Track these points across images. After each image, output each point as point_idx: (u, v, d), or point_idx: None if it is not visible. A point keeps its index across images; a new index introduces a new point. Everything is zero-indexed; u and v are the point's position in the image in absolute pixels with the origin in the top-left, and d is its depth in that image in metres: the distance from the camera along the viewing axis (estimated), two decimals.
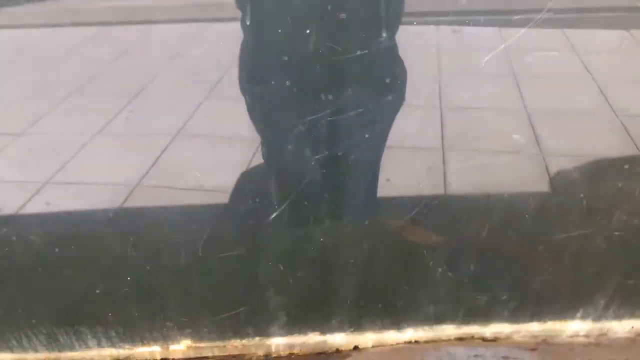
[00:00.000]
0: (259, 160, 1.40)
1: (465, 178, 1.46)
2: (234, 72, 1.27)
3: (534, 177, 1.46)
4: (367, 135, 1.30)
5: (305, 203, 1.38)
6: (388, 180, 1.42)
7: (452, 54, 1.39)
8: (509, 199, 1.41)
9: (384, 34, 1.13)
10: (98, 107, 1.44)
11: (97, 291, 1.44)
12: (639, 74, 1.41)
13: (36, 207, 1.41)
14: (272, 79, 1.20)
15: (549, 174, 1.44)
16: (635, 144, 1.45)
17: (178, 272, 1.46)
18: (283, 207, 1.37)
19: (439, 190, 1.48)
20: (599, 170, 1.44)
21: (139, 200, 1.43)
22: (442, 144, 1.48)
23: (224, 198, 1.43)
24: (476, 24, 1.24)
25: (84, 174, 1.44)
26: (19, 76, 1.39)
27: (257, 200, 1.41)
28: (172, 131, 1.43)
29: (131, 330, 1.52)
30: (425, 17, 1.33)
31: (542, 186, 1.47)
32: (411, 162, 1.47)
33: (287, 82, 1.19)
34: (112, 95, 1.44)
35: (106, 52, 1.43)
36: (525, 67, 1.43)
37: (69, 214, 1.44)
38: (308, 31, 1.10)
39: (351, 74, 1.19)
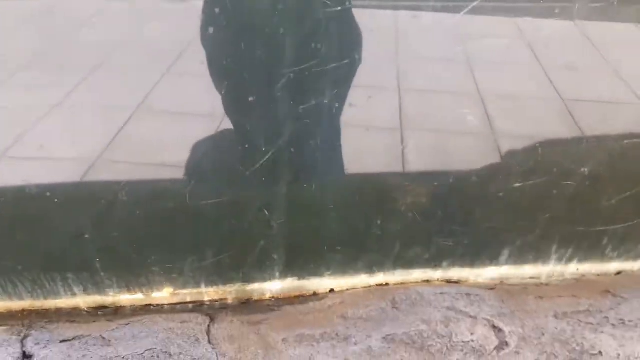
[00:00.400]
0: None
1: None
2: (193, 48, 1.31)
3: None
4: (325, 94, 1.38)
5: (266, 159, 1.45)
6: None
7: (410, 39, 1.46)
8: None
9: None
10: (54, 80, 1.43)
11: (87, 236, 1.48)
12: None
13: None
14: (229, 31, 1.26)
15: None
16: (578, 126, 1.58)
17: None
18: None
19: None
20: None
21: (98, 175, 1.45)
22: (400, 124, 1.56)
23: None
24: (434, 9, 1.34)
25: (43, 148, 1.43)
26: None
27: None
28: (133, 105, 1.45)
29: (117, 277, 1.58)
30: (385, 1, 1.41)
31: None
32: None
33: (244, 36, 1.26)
34: (70, 69, 1.43)
35: (62, 25, 1.41)
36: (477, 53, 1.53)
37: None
38: None
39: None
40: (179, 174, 1.48)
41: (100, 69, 1.42)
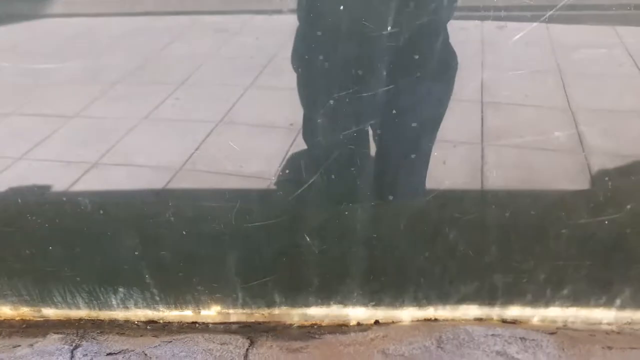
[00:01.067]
0: (296, 148, 1.45)
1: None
2: (276, 62, 1.32)
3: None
4: (412, 120, 1.34)
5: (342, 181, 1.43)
6: None
7: (496, 49, 1.38)
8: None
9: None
10: (146, 93, 1.50)
11: (136, 253, 1.53)
12: None
13: (84, 185, 1.50)
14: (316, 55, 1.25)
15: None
16: None
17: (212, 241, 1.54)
18: (311, 181, 1.43)
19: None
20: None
21: (182, 183, 1.50)
22: (482, 138, 1.47)
23: (262, 183, 1.48)
24: (521, 19, 1.25)
25: (131, 156, 1.50)
26: (72, 63, 1.46)
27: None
28: (216, 118, 1.48)
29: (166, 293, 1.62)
30: (469, 12, 1.34)
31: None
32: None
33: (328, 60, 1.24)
34: (159, 83, 1.49)
35: (154, 41, 1.48)
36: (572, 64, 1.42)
37: (115, 191, 1.52)
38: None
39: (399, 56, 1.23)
40: (258, 183, 1.48)
41: (186, 83, 1.47)
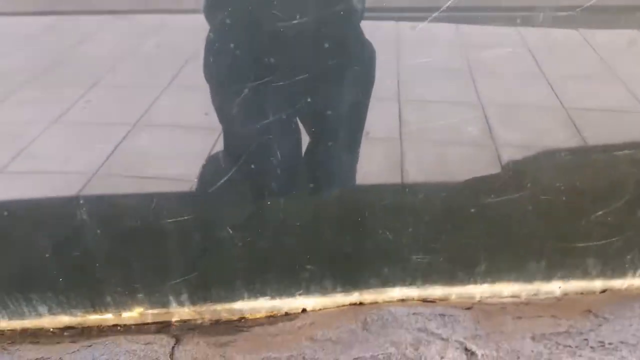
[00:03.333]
0: (218, 148, 1.44)
1: None
2: (192, 63, 1.31)
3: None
4: (328, 109, 1.36)
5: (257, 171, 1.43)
6: None
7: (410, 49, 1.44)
8: None
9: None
10: (55, 96, 1.44)
11: (47, 255, 1.45)
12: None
13: None
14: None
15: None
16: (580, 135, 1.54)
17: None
18: (230, 174, 1.42)
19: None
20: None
21: (97, 189, 1.44)
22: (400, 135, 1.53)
23: (183, 185, 1.46)
24: (437, 20, 1.32)
25: (41, 162, 1.43)
26: None
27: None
28: (131, 120, 1.44)
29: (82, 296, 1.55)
30: (385, 12, 1.39)
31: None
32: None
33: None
34: (69, 85, 1.44)
35: (63, 41, 1.42)
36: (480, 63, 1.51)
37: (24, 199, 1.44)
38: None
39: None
40: (175, 186, 1.45)
41: (98, 85, 1.42)
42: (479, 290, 1.64)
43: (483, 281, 1.63)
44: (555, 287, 1.67)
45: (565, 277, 1.66)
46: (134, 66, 1.43)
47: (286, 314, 1.61)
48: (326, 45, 1.27)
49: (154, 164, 1.45)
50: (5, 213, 1.40)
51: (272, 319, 1.59)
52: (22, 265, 1.49)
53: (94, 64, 1.41)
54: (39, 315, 1.56)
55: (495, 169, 1.52)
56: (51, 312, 1.55)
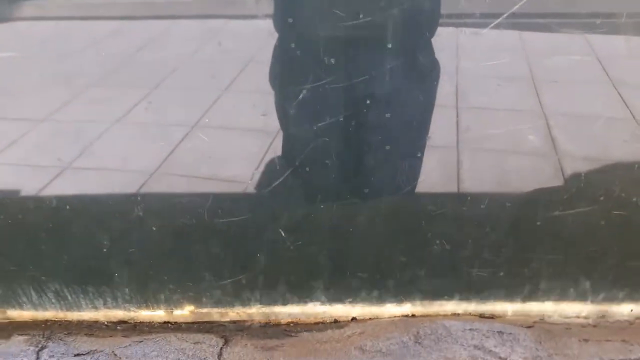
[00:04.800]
0: (273, 152, 1.44)
1: None
2: (251, 67, 1.31)
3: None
4: (388, 111, 1.33)
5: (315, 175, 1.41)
6: None
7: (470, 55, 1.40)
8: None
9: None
10: (119, 97, 1.48)
11: (104, 250, 1.48)
12: None
13: (54, 189, 1.46)
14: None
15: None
16: None
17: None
18: (285, 175, 1.41)
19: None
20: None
21: (154, 187, 1.47)
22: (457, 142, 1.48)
23: (237, 187, 1.47)
24: (497, 26, 1.26)
25: (104, 160, 1.48)
26: (43, 67, 1.44)
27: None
28: (191, 122, 1.47)
29: (136, 292, 1.57)
30: (445, 18, 1.35)
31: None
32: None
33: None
34: (132, 87, 1.48)
35: (127, 45, 1.47)
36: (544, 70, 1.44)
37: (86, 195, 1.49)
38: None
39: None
40: (229, 187, 1.46)
41: (160, 87, 1.46)
42: (541, 308, 1.54)
43: (546, 298, 1.53)
44: (627, 309, 1.54)
45: (638, 299, 1.53)
46: (195, 69, 1.44)
47: (335, 321, 1.57)
48: (389, 46, 1.23)
49: (210, 165, 1.46)
50: (67, 207, 1.43)
51: (321, 325, 1.55)
52: (81, 259, 1.53)
53: (157, 67, 1.44)
54: (95, 308, 1.60)
55: (558, 181, 1.43)
56: (106, 305, 1.59)
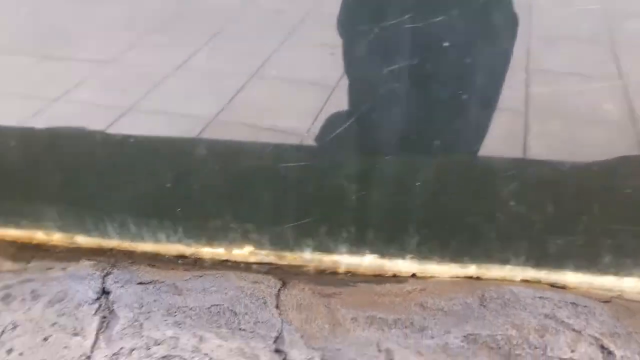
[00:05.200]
0: (331, 106, 1.38)
1: None
2: (312, 18, 1.23)
3: None
4: (467, 57, 1.23)
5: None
6: None
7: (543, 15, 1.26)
8: None
9: None
10: (180, 43, 1.47)
11: (167, 185, 1.48)
12: None
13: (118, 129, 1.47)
14: None
15: None
16: None
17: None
18: (349, 122, 1.34)
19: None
20: None
21: (215, 133, 1.47)
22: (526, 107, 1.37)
23: (294, 139, 1.43)
24: None
25: (164, 104, 1.48)
26: (110, 9, 1.43)
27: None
28: (250, 71, 1.44)
29: (197, 228, 1.58)
30: None
31: None
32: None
33: None
34: (193, 34, 1.46)
35: None
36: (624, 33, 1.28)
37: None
38: None
39: None
40: (290, 139, 1.44)
41: (220, 35, 1.43)
42: (621, 284, 1.43)
43: (628, 274, 1.41)
44: None
45: None
46: (255, 18, 1.39)
47: (394, 275, 1.53)
48: None
49: (268, 116, 1.42)
50: (132, 143, 1.44)
51: (380, 278, 1.51)
52: (145, 193, 1.55)
53: (217, 15, 1.39)
54: (157, 240, 1.62)
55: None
56: (168, 239, 1.61)
